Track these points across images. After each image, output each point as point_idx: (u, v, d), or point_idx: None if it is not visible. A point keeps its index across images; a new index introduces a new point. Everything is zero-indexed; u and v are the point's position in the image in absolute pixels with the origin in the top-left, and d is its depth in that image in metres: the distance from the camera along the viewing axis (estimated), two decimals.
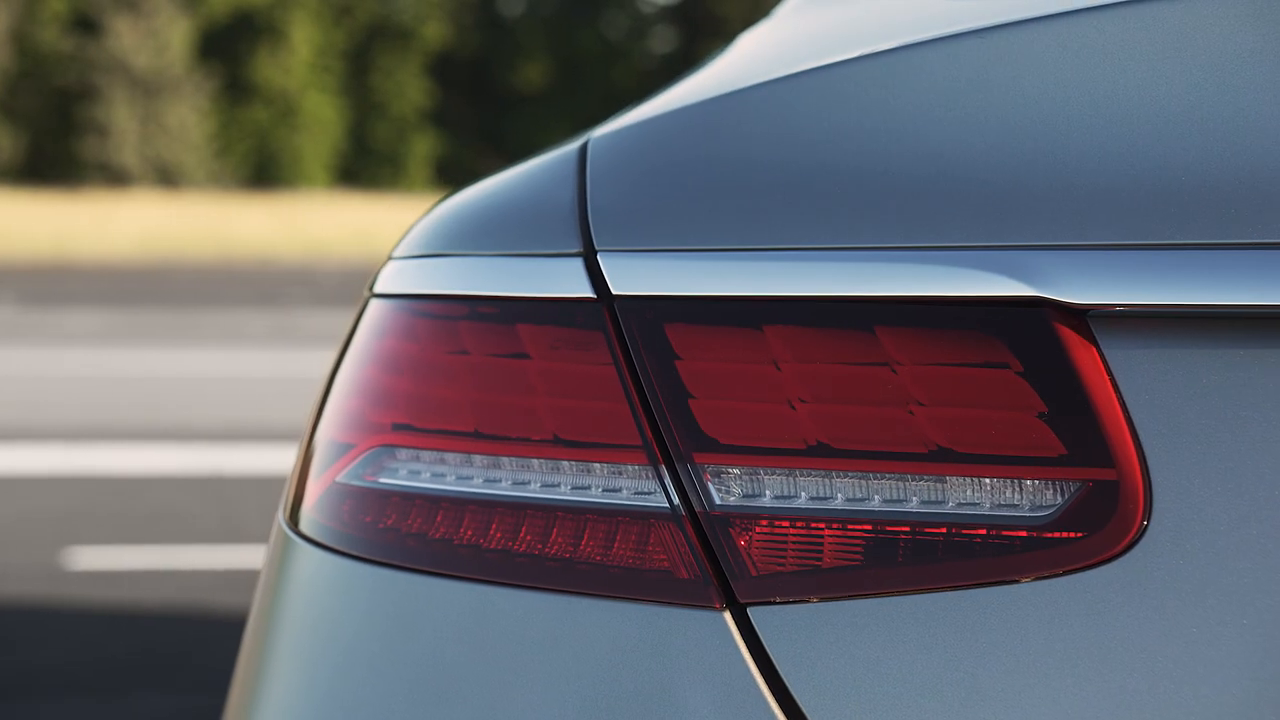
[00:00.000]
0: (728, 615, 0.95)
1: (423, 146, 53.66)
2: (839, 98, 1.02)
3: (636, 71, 55.05)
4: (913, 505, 0.94)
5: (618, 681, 0.96)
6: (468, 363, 1.07)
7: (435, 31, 54.32)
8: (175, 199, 39.40)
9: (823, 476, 0.95)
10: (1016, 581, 0.91)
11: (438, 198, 1.34)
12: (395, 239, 1.28)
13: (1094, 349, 0.91)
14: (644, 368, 1.00)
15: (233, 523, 6.09)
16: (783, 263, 0.97)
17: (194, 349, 12.03)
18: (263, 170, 51.77)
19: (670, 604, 0.97)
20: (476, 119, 55.04)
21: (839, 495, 0.95)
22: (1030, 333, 0.92)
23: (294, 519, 1.16)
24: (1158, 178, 0.91)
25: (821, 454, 0.95)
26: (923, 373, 0.93)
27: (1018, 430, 0.92)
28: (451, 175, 51.50)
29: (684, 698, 0.95)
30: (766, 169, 1.01)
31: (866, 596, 0.93)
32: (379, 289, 1.18)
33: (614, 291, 1.01)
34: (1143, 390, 0.90)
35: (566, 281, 1.03)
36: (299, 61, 53.20)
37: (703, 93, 1.10)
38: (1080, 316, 0.91)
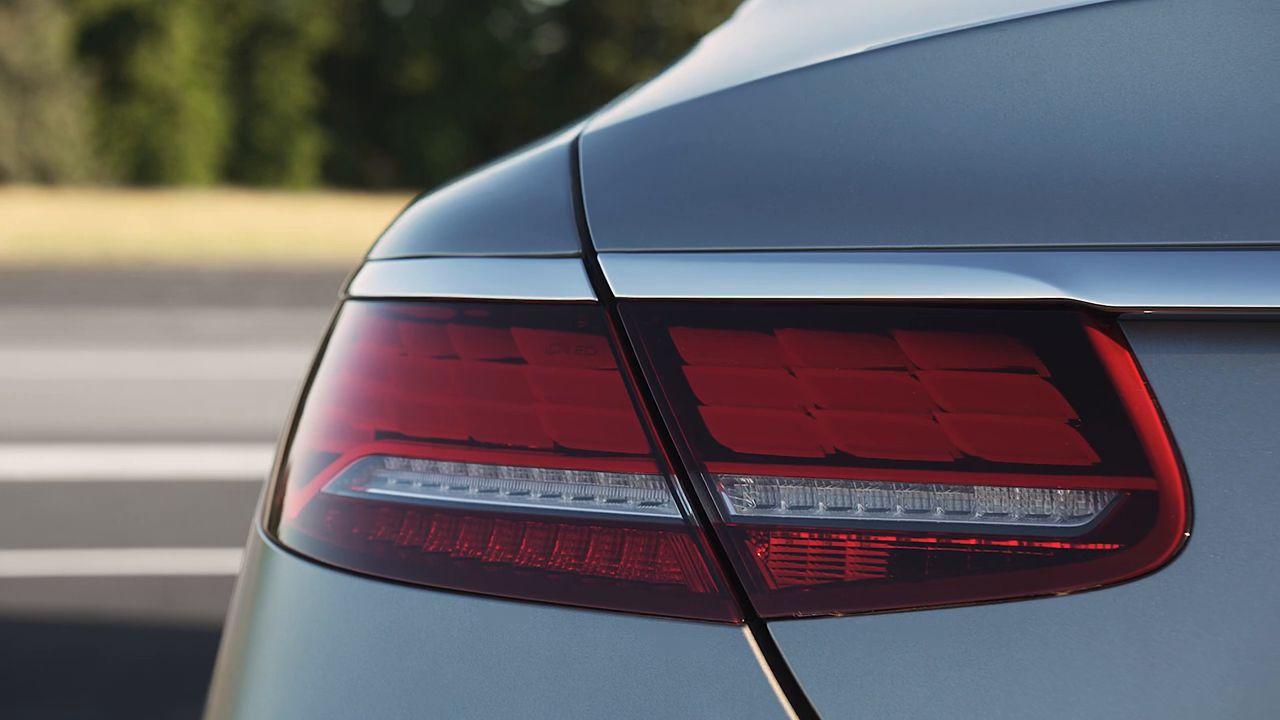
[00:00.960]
0: (747, 631, 0.91)
1: (308, 145, 53.19)
2: (849, 92, 0.98)
3: (523, 71, 54.92)
4: (938, 516, 0.90)
5: (630, 699, 0.92)
6: (458, 368, 1.02)
7: (320, 29, 53.87)
8: (54, 197, 38.76)
9: (842, 486, 0.91)
10: (1053, 595, 0.87)
11: (411, 201, 1.28)
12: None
13: (1127, 353, 0.87)
14: (650, 373, 0.95)
15: (125, 528, 5.96)
16: (794, 264, 0.93)
17: (77, 350, 11.80)
18: (144, 168, 51.06)
19: (684, 619, 0.93)
20: (362, 118, 54.65)
21: (859, 505, 0.91)
22: (1059, 336, 0.88)
23: (273, 530, 1.10)
24: (1190, 175, 0.88)
25: (840, 463, 0.91)
26: (945, 378, 0.90)
27: (1048, 438, 0.88)
28: (337, 174, 51.12)
29: (702, 717, 0.90)
30: (775, 167, 0.96)
31: (893, 611, 0.89)
32: (356, 292, 1.13)
33: (616, 294, 0.97)
34: (1180, 396, 0.87)
35: (565, 284, 0.99)
36: (180, 59, 52.54)
37: (697, 89, 1.06)
38: (1111, 320, 0.88)
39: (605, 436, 0.97)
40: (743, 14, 1.36)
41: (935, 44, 0.98)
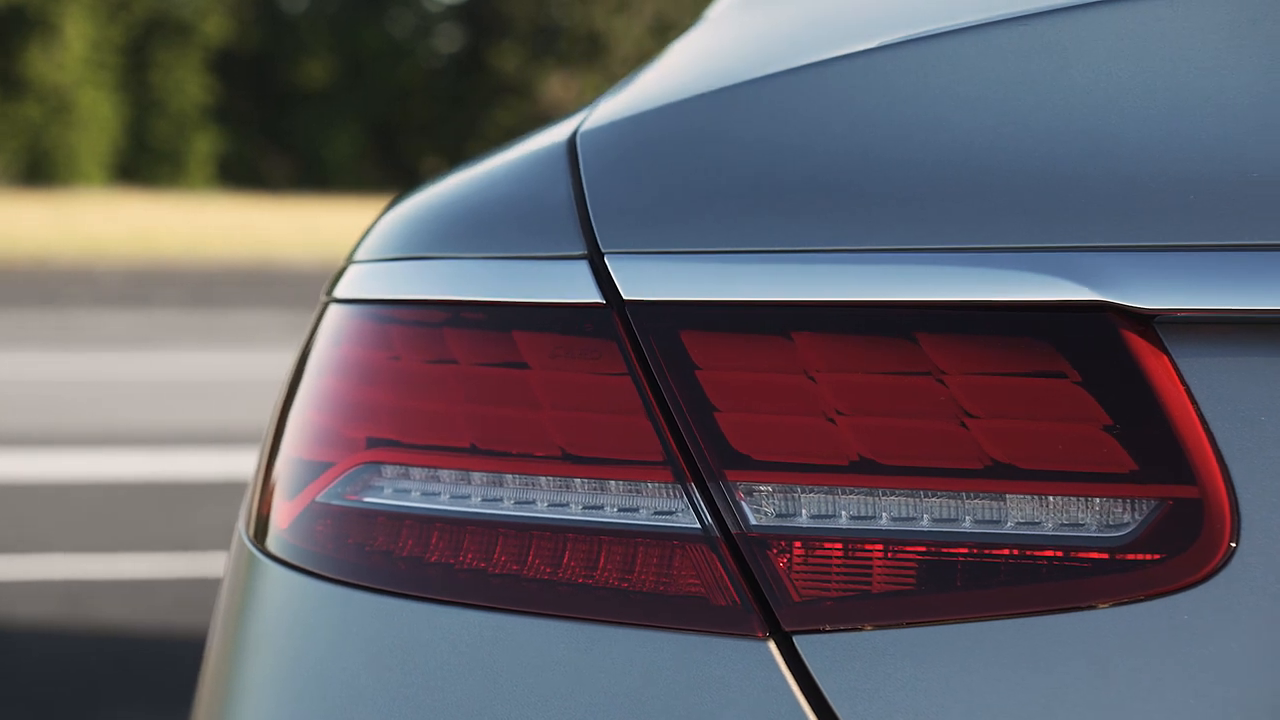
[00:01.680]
0: (772, 645, 0.88)
1: (204, 144, 52.59)
2: (866, 87, 0.95)
3: (422, 70, 54.68)
4: (968, 525, 0.87)
5: (649, 715, 0.89)
6: (456, 373, 0.98)
7: (216, 27, 53.28)
8: None
9: (867, 495, 0.88)
10: (1093, 607, 0.84)
11: (388, 202, 1.23)
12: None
13: (1165, 357, 0.85)
14: (663, 378, 0.92)
15: (26, 531, 5.83)
16: (812, 266, 0.90)
17: None
18: (36, 168, 50.25)
19: (705, 632, 0.89)
20: (259, 116, 54.14)
21: (885, 515, 0.88)
22: (1092, 339, 0.86)
23: (260, 539, 1.06)
24: (1225, 173, 0.85)
25: (865, 470, 0.88)
26: (972, 383, 0.87)
27: (1083, 444, 0.86)
28: (234, 173, 50.61)
29: None
30: (788, 165, 0.93)
31: (924, 624, 0.85)
32: (340, 294, 1.09)
33: (625, 296, 0.93)
34: (1221, 401, 0.84)
35: (570, 286, 0.95)
36: (73, 57, 51.78)
37: (695, 86, 1.02)
38: (1146, 322, 0.85)
39: (616, 443, 0.93)
40: (714, 14, 1.32)
41: (957, 38, 0.95)
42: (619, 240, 0.95)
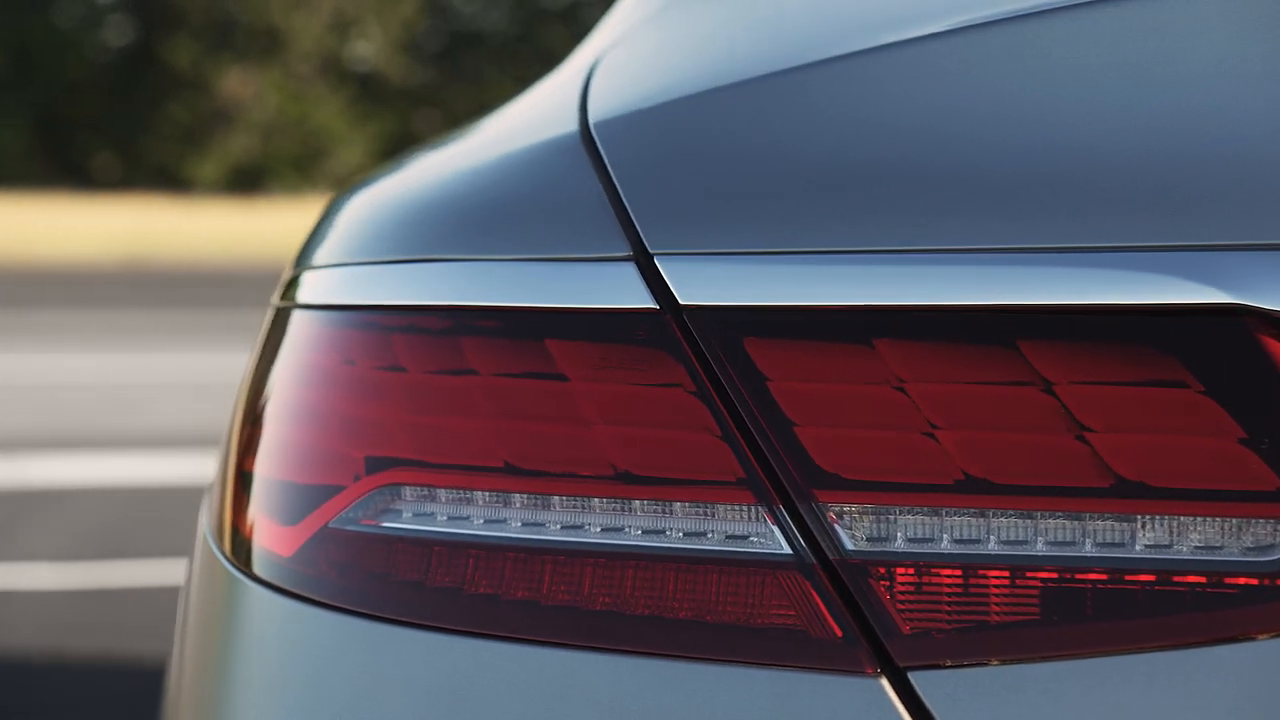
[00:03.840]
0: (885, 682, 0.81)
1: None
2: (945, 72, 0.89)
3: (90, 64, 52.69)
4: (1089, 549, 0.81)
5: None
6: (480, 386, 0.90)
7: None
8: None
9: (977, 516, 0.82)
10: (1251, 638, 0.78)
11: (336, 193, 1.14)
12: None
13: None
14: (735, 390, 0.85)
15: None
16: (893, 267, 0.84)
17: None
18: None
19: (804, 668, 0.82)
20: None
21: (997, 538, 0.83)
22: (1226, 346, 0.80)
23: (246, 565, 0.97)
24: None
25: (973, 490, 0.82)
26: (1089, 393, 0.81)
27: (1219, 460, 0.80)
28: None
29: None
30: (856, 158, 0.88)
31: (1055, 658, 0.80)
32: (313, 300, 0.99)
33: (681, 301, 0.86)
34: None
35: (615, 290, 0.88)
36: None
37: (729, 73, 0.96)
38: None
39: (680, 461, 0.86)
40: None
41: (1048, 19, 0.89)
42: (667, 241, 0.88)
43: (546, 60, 45.18)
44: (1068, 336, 0.81)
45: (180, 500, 6.23)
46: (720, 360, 0.86)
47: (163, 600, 4.74)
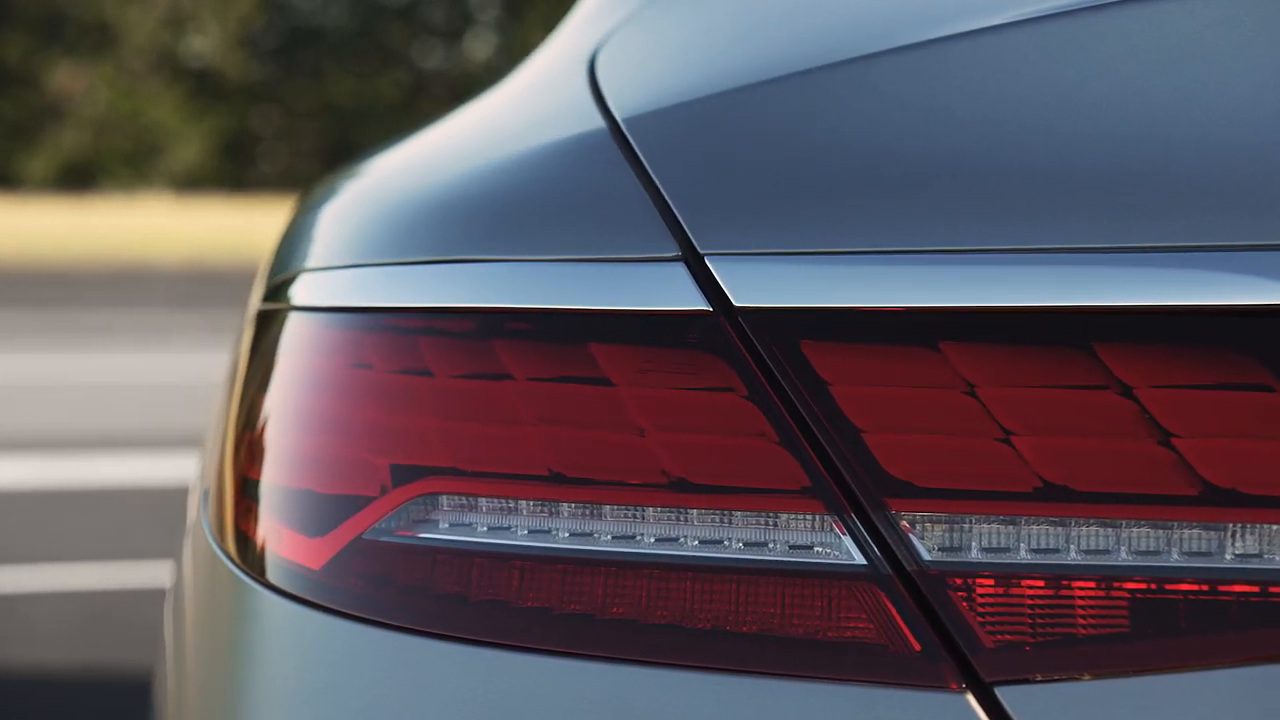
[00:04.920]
0: (971, 698, 0.78)
1: None
2: (1009, 65, 0.87)
3: None
4: (1175, 558, 0.79)
5: None
6: (517, 391, 0.86)
7: None
8: None
9: (1058, 525, 0.80)
10: None
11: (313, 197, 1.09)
12: None
13: None
14: (798, 395, 0.81)
15: None
16: (958, 267, 0.82)
17: None
18: None
19: (881, 683, 0.79)
20: None
21: (1080, 547, 0.80)
22: None
23: (260, 575, 0.94)
24: None
25: (1053, 497, 0.80)
26: (1170, 398, 0.79)
27: None
28: None
29: None
30: (917, 154, 0.85)
31: (1146, 672, 0.77)
32: (316, 302, 0.95)
33: (735, 303, 0.83)
34: None
35: (665, 291, 0.85)
36: None
37: (766, 66, 0.93)
38: None
39: (740, 469, 0.83)
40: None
41: (1120, 9, 0.87)
42: (717, 240, 0.85)
43: (387, 57, 44.82)
44: (1144, 339, 0.79)
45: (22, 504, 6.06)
46: (779, 363, 0.83)
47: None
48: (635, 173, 0.89)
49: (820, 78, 0.91)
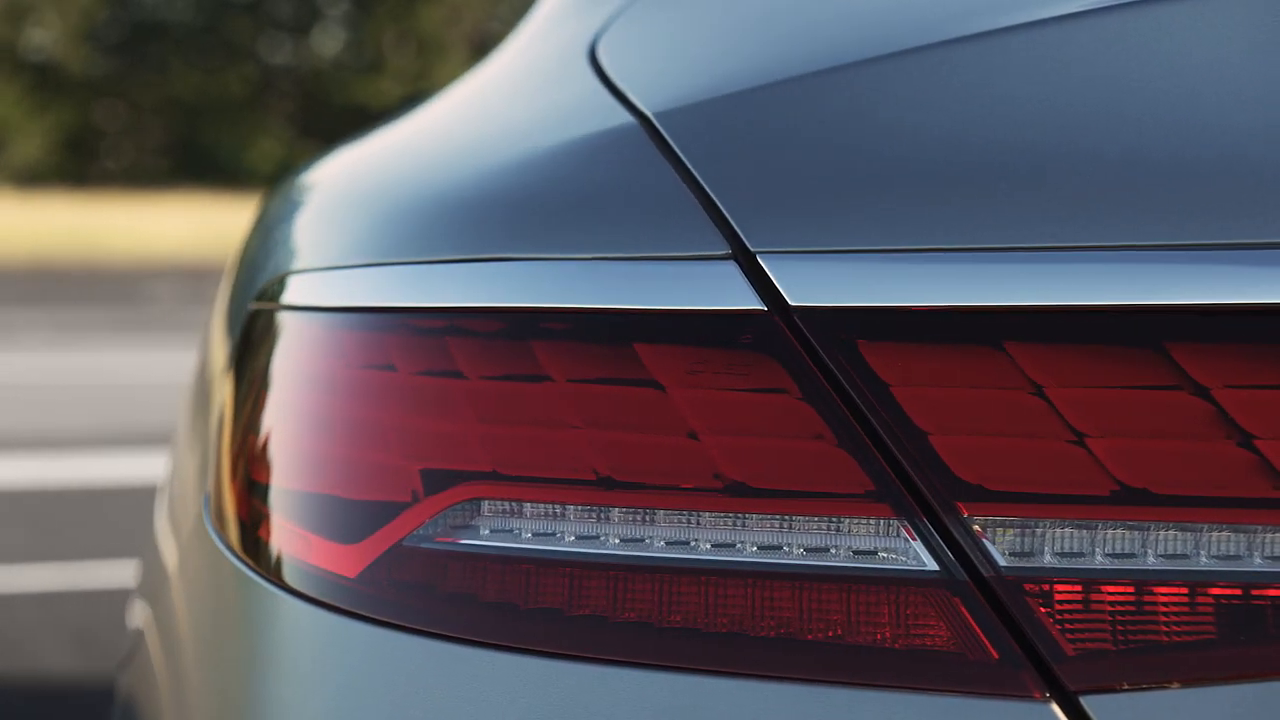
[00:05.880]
0: (1055, 707, 0.76)
1: None
2: (1072, 59, 0.86)
3: None
4: (1258, 563, 0.77)
5: None
6: (559, 393, 0.85)
7: None
8: None
9: (1138, 529, 0.79)
10: None
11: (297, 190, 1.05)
12: None
13: None
14: (861, 396, 0.79)
15: None
16: (1022, 265, 0.80)
17: None
18: None
19: (962, 693, 0.77)
20: None
21: (1161, 552, 0.78)
22: None
23: (282, 581, 0.91)
24: None
25: (1134, 501, 0.78)
26: (1247, 398, 0.78)
27: None
28: None
29: None
30: (984, 147, 0.83)
31: (1237, 680, 0.76)
32: (330, 302, 0.93)
33: (791, 303, 0.81)
34: None
35: (716, 291, 0.83)
36: None
37: (803, 60, 0.90)
38: None
39: (799, 473, 0.81)
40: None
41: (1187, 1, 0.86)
42: (769, 238, 0.83)
43: (233, 52, 44.19)
44: (1218, 338, 0.78)
45: None
46: (839, 364, 0.81)
47: None
48: (674, 168, 0.87)
49: (868, 71, 0.89)
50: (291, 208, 1.15)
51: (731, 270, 0.83)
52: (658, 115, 0.90)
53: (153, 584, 1.21)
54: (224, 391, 1.07)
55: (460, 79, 1.42)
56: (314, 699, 0.86)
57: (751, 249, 0.83)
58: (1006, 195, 0.81)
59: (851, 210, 0.83)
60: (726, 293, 0.83)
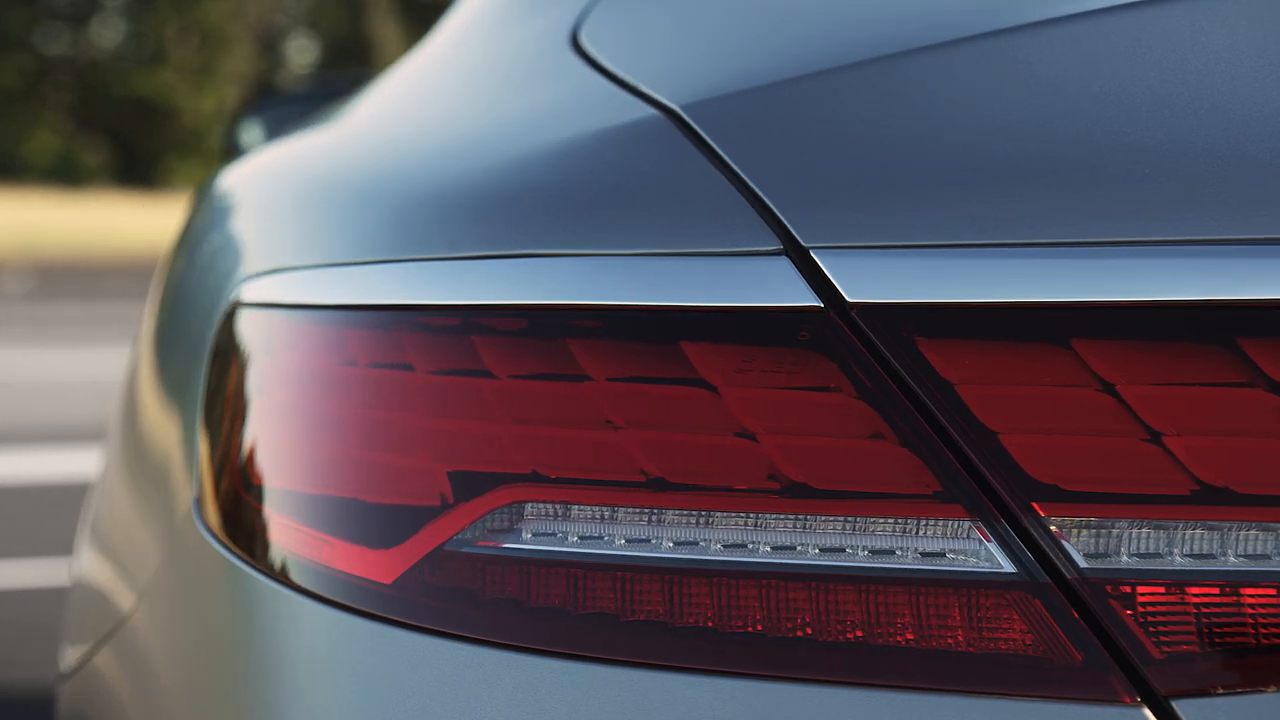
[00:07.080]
0: (1147, 711, 0.74)
1: None
2: (1122, 51, 0.84)
3: None
4: None
5: None
6: (599, 392, 0.82)
7: None
8: None
9: (1219, 529, 0.76)
10: None
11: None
12: None
13: None
14: (927, 394, 0.77)
15: None
16: (1089, 261, 0.77)
17: None
18: None
19: (1046, 697, 0.75)
20: None
21: (1242, 553, 0.76)
22: None
23: (306, 586, 0.87)
24: None
25: (1215, 500, 0.76)
26: None
27: None
28: None
29: None
30: (1045, 141, 0.81)
31: None
32: (332, 300, 0.90)
33: (848, 299, 0.78)
34: None
35: (769, 287, 0.80)
36: None
37: (841, 51, 0.88)
38: None
39: (865, 473, 0.78)
40: None
41: None
42: (820, 233, 0.80)
43: (8, 42, 42.84)
44: None
45: None
46: (902, 361, 0.78)
47: None
48: (711, 162, 0.83)
49: (913, 62, 0.86)
50: (258, 204, 1.10)
51: (784, 266, 0.80)
52: (687, 107, 0.87)
53: (106, 605, 1.14)
54: (193, 398, 1.01)
55: (396, 67, 1.37)
56: (351, 710, 0.82)
57: (804, 244, 0.80)
58: (1069, 189, 0.79)
59: (903, 205, 0.80)
60: (780, 289, 0.80)
